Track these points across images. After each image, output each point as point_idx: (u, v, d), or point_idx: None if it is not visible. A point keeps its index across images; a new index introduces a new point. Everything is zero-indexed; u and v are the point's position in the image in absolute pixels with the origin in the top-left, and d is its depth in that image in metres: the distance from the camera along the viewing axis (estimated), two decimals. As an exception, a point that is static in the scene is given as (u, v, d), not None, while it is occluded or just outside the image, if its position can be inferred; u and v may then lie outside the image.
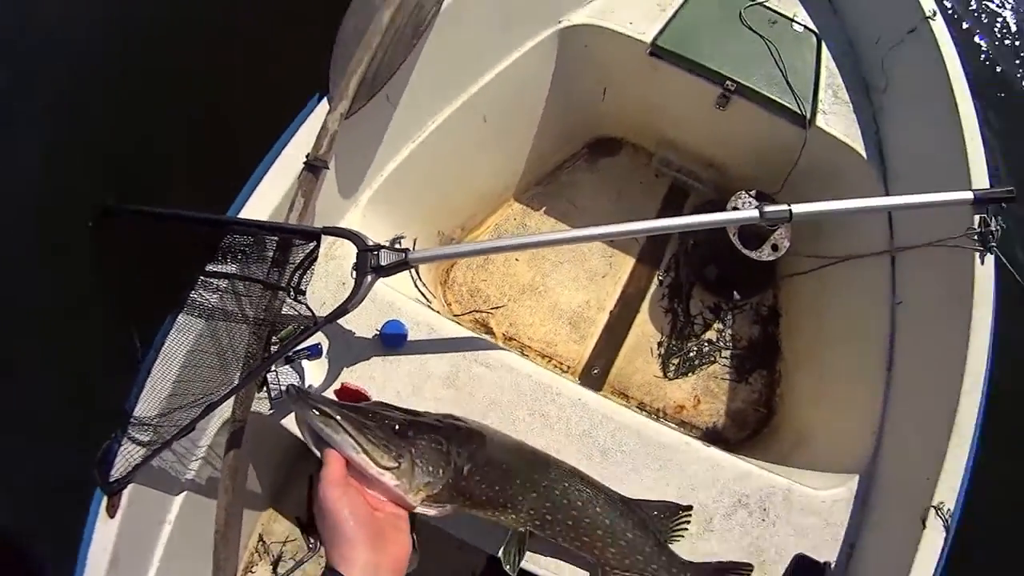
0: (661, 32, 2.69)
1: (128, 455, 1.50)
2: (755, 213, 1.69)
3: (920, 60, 2.50)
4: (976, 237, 1.96)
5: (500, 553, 1.42)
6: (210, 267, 1.56)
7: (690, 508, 1.66)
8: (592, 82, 2.98)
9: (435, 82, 2.30)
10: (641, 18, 2.74)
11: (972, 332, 1.85)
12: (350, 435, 1.00)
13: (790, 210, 1.71)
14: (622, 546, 1.50)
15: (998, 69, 4.59)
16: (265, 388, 1.65)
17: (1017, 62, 4.65)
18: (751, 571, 1.63)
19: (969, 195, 1.87)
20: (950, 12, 4.75)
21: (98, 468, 1.49)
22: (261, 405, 1.65)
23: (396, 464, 1.06)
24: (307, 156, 1.72)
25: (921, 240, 2.18)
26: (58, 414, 2.77)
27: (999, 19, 4.84)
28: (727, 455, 1.87)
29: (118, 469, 1.48)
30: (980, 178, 2.10)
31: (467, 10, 2.21)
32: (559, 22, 2.67)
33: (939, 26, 2.50)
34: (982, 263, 1.95)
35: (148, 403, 1.59)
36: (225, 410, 1.65)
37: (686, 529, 1.65)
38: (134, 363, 1.61)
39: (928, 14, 2.51)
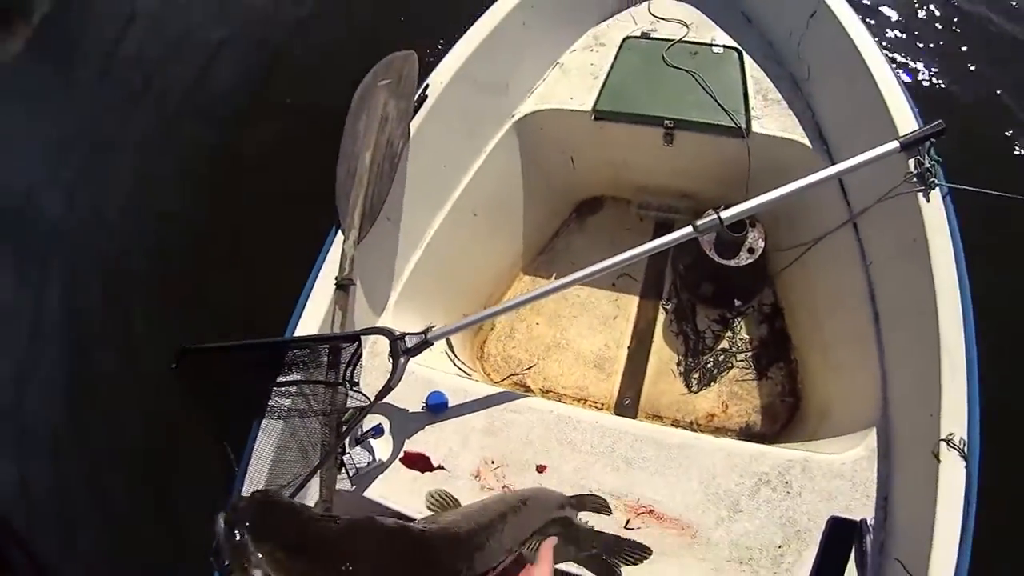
0: (598, 97, 3.13)
1: (236, 540, 1.88)
2: (689, 229, 2.14)
3: (828, 37, 2.83)
4: (915, 179, 2.18)
5: None
6: (280, 378, 2.00)
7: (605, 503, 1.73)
8: (558, 156, 3.43)
9: (424, 196, 2.80)
10: (579, 91, 3.22)
11: (934, 264, 2.04)
12: None
13: (719, 216, 2.14)
14: None
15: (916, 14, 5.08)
16: (344, 469, 2.06)
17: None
18: (647, 556, 1.59)
19: (894, 144, 2.14)
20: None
21: (214, 557, 1.88)
22: (344, 484, 2.07)
23: None
24: (336, 278, 2.27)
25: (872, 199, 2.43)
26: (175, 519, 3.30)
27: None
28: (737, 442, 2.16)
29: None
30: (907, 124, 2.34)
31: (432, 134, 2.72)
32: (512, 116, 3.17)
33: (835, 1, 2.85)
34: (928, 200, 2.15)
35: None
36: (313, 494, 1.98)
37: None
38: (231, 471, 1.96)
39: None
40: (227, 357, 2.05)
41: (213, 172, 6.93)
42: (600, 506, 1.68)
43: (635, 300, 3.41)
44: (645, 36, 3.38)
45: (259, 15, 8.99)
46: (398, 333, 2.09)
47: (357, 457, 2.12)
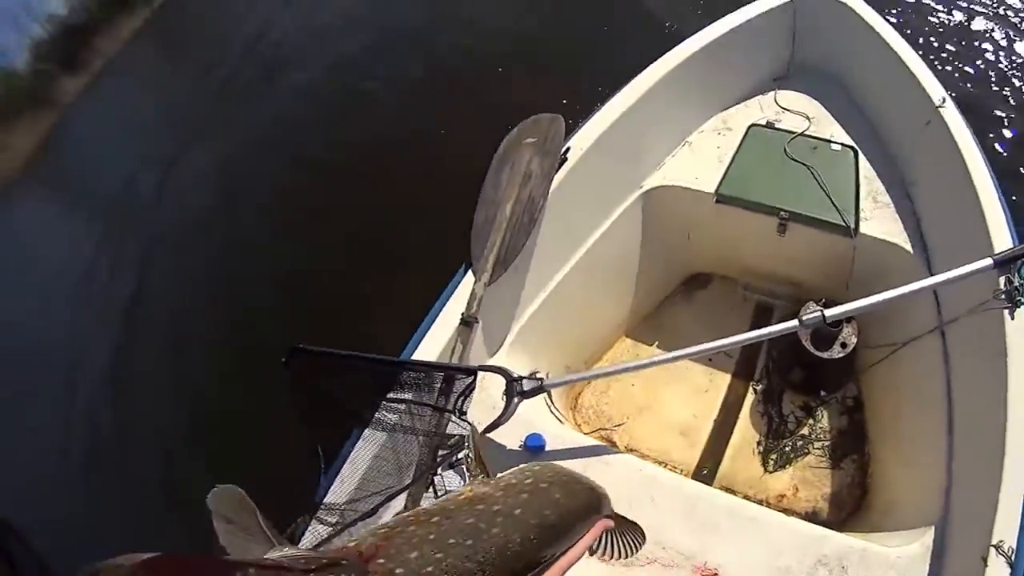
0: (721, 182, 3.35)
1: (316, 533, 1.97)
2: (795, 323, 2.33)
3: (939, 148, 2.93)
4: (1003, 296, 2.28)
5: None
6: (391, 395, 2.19)
7: None
8: (677, 230, 3.67)
9: (551, 251, 3.08)
10: (704, 171, 3.44)
11: (1011, 380, 2.16)
12: None
13: (823, 313, 2.32)
14: None
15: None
16: (432, 489, 2.22)
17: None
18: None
19: (988, 261, 2.21)
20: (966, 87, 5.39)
21: (289, 540, 1.97)
22: (429, 502, 2.24)
23: None
24: (462, 314, 2.55)
25: (963, 310, 2.56)
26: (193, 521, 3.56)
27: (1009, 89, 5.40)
28: (806, 523, 2.34)
29: (306, 542, 1.92)
30: (1003, 242, 2.46)
31: (567, 195, 2.99)
32: (641, 187, 3.44)
33: (949, 111, 2.96)
34: (1012, 318, 2.27)
35: (336, 494, 2.13)
36: (398, 506, 2.13)
37: None
38: (318, 470, 2.11)
39: (938, 103, 2.99)
40: (341, 364, 2.20)
41: (304, 180, 7.23)
42: (635, 539, 1.43)
43: (728, 377, 3.61)
44: (769, 125, 3.58)
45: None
46: (516, 375, 2.35)
47: (448, 480, 2.28)
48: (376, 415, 2.20)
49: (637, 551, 1.42)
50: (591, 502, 1.26)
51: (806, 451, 3.30)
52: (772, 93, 3.79)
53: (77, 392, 6.77)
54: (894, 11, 6.16)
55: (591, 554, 1.29)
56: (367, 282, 5.65)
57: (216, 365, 5.95)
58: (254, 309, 6.21)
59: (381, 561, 0.78)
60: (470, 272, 2.73)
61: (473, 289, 2.61)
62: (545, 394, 3.00)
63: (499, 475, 1.17)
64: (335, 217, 6.52)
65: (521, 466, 1.18)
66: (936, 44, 5.87)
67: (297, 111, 8.74)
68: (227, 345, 6.08)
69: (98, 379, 6.78)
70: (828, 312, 2.34)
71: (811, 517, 3.08)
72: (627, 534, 1.42)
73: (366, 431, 2.23)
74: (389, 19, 9.64)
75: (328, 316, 5.59)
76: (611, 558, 1.34)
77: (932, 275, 2.54)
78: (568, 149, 3.07)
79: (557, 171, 2.97)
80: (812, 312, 2.37)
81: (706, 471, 3.30)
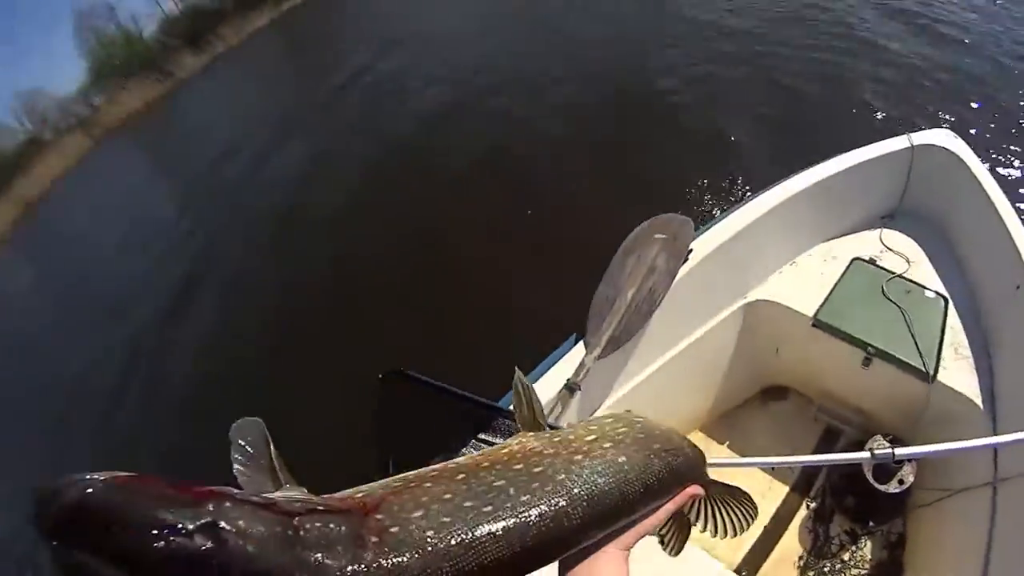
0: (821, 307, 3.62)
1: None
2: (867, 455, 2.54)
3: None
4: None
5: None
6: (481, 435, 2.43)
7: None
8: (768, 342, 3.96)
9: (656, 340, 3.39)
10: (805, 294, 3.72)
11: None
12: None
13: (893, 452, 2.51)
14: None
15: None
16: None
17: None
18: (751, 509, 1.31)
19: None
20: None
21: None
22: None
23: None
24: (567, 380, 2.88)
25: (1017, 472, 2.72)
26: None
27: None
28: None
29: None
30: None
31: (680, 291, 3.28)
32: (745, 297, 3.76)
33: None
34: None
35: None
36: None
37: None
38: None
39: None
40: (440, 395, 2.43)
41: (393, 214, 7.40)
42: (745, 511, 1.29)
43: (786, 489, 3.83)
44: (872, 261, 3.85)
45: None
46: None
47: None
48: (463, 450, 2.45)
49: (747, 525, 1.26)
50: (674, 468, 1.10)
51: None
52: (878, 230, 4.08)
53: (120, 361, 7.00)
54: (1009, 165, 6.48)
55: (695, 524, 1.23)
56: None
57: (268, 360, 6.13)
58: (309, 315, 6.39)
59: (379, 517, 0.73)
60: (581, 343, 3.04)
61: (583, 360, 2.93)
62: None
63: (565, 425, 1.08)
64: (413, 250, 6.69)
65: (592, 417, 1.10)
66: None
67: (397, 153, 8.93)
68: (280, 347, 6.28)
69: (143, 347, 6.99)
70: (898, 451, 2.54)
71: (832, 642, 3.29)
72: (732, 505, 1.27)
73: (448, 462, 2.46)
74: (514, 83, 9.84)
75: (384, 342, 5.79)
76: (715, 534, 1.24)
77: (996, 433, 2.87)
78: (691, 251, 3.40)
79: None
80: (883, 448, 2.58)
81: (745, 573, 3.52)
